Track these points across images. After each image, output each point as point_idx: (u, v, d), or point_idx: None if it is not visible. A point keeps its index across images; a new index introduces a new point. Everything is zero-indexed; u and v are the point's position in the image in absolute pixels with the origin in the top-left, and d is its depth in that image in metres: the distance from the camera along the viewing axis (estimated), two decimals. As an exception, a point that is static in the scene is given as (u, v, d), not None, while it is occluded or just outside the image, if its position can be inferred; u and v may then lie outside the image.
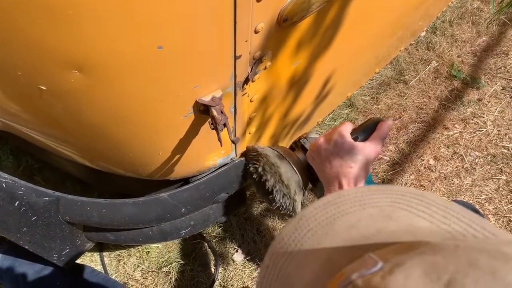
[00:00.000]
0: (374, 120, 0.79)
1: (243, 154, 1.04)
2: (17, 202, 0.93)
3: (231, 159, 1.05)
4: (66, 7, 0.48)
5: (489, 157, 1.77)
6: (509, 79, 2.01)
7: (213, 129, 0.74)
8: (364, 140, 0.76)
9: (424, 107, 1.94)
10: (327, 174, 0.74)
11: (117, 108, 0.68)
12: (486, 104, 1.94)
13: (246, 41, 0.68)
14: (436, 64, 2.09)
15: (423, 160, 1.78)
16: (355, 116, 1.94)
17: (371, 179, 0.92)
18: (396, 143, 1.85)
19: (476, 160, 1.77)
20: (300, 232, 0.36)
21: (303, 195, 0.95)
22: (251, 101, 0.88)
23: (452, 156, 1.78)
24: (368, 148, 0.72)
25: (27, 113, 0.74)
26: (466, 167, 1.75)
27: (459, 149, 1.80)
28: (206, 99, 0.73)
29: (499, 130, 1.84)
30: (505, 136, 1.82)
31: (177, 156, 0.89)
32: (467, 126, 1.87)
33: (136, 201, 1.01)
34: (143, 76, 0.63)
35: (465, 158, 1.77)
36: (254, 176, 0.98)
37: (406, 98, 1.98)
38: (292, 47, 0.80)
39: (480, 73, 2.04)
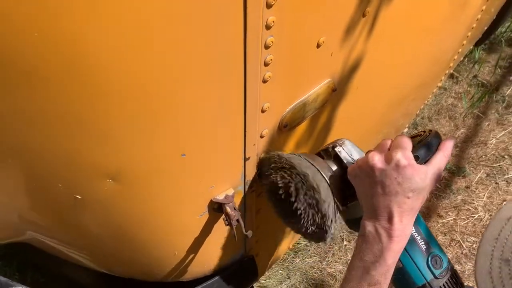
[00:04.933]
0: (433, 134, 0.69)
1: (259, 164, 0.85)
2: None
3: (241, 255, 1.10)
4: (105, 126, 0.58)
5: (486, 241, 1.82)
6: (492, 166, 2.14)
7: (227, 225, 0.81)
8: (425, 159, 0.65)
9: (416, 197, 2.03)
10: (375, 201, 0.63)
11: (141, 213, 0.76)
12: (474, 191, 2.04)
13: (254, 144, 0.79)
14: (421, 157, 2.23)
15: (423, 249, 1.82)
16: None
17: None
18: (394, 234, 1.90)
19: (474, 246, 1.81)
20: None
21: (336, 212, 0.76)
22: (258, 196, 0.96)
23: (450, 243, 1.84)
24: (431, 174, 0.62)
25: (59, 220, 0.80)
26: (465, 253, 1.79)
27: (456, 236, 1.86)
28: (220, 197, 0.81)
29: (490, 215, 1.92)
30: (498, 220, 1.89)
31: (191, 256, 0.94)
32: (460, 213, 1.95)
33: (151, 304, 1.04)
34: (166, 181, 0.72)
35: (463, 244, 1.82)
36: (273, 189, 0.79)
37: (398, 190, 2.07)
38: (292, 146, 0.91)
39: (464, 162, 2.17)
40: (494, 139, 2.28)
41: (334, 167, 0.79)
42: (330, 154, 0.81)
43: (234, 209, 0.81)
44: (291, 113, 0.81)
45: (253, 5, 0.55)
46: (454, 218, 1.93)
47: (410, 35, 1.04)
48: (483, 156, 2.20)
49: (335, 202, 0.74)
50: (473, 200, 2.00)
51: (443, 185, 2.08)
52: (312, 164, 0.75)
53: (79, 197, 0.70)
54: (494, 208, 1.95)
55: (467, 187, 2.06)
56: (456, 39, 1.40)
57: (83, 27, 0.45)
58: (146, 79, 0.54)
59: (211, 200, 0.81)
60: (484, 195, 2.01)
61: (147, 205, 0.75)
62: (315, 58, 0.76)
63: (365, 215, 0.66)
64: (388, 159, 0.62)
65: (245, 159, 0.80)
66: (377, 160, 0.63)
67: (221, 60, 0.59)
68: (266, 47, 0.63)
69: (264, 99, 0.72)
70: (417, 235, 0.72)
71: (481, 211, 1.95)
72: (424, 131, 0.72)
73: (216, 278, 1.05)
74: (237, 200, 0.88)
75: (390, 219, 0.62)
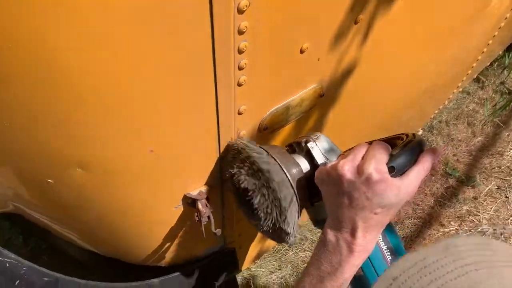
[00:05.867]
0: (415, 142, 0.61)
1: (225, 151, 0.79)
2: (18, 281, 0.99)
3: (221, 247, 1.12)
4: (68, 117, 0.59)
5: (485, 256, 1.78)
6: (504, 179, 2.07)
7: (198, 221, 0.82)
8: (402, 171, 0.58)
9: (420, 203, 2.00)
10: (340, 211, 0.60)
11: (114, 200, 0.77)
12: (482, 203, 1.98)
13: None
14: (432, 162, 2.17)
15: (419, 256, 1.80)
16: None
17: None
18: (392, 237, 1.88)
19: (472, 259, 1.77)
20: (449, 261, 0.32)
21: (299, 214, 0.72)
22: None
23: (448, 253, 1.80)
24: (405, 189, 0.56)
25: (37, 199, 0.83)
26: (462, 265, 1.76)
27: (455, 247, 1.82)
28: (194, 193, 0.82)
29: (494, 229, 1.87)
30: (501, 235, 1.84)
31: (167, 244, 0.96)
32: (463, 223, 1.91)
33: (127, 285, 1.06)
34: (136, 173, 0.72)
35: (460, 256, 1.78)
36: (234, 182, 0.75)
37: (402, 194, 2.04)
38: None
39: (475, 172, 2.11)
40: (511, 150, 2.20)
41: (304, 163, 0.73)
42: (302, 148, 0.75)
43: (206, 205, 0.82)
44: (272, 116, 0.80)
45: (221, 11, 0.54)
46: (456, 228, 1.89)
47: (414, 40, 1.00)
48: (497, 168, 2.13)
49: (297, 201, 0.70)
50: (479, 212, 1.95)
51: (449, 193, 2.03)
52: (275, 159, 0.69)
53: (51, 181, 0.72)
54: (500, 223, 1.90)
55: (475, 198, 2.01)
56: (473, 45, 1.34)
57: (48, 25, 0.46)
58: (111, 77, 0.55)
59: (185, 195, 0.82)
60: (492, 208, 1.96)
61: (118, 193, 0.76)
62: (299, 64, 0.74)
63: (328, 222, 0.63)
64: (359, 171, 0.57)
65: (220, 159, 0.80)
66: (347, 170, 0.58)
67: (189, 61, 0.59)
68: (240, 51, 0.62)
69: (240, 101, 0.71)
70: (383, 244, 0.68)
71: (485, 224, 1.90)
72: (407, 135, 0.64)
73: (192, 267, 1.07)
74: (214, 197, 0.88)
75: (353, 232, 0.59)
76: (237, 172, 0.73)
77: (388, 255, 0.68)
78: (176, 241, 0.96)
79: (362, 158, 0.60)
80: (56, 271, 1.09)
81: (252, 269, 1.74)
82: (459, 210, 1.96)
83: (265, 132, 0.82)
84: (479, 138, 2.30)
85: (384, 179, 0.56)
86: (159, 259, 1.02)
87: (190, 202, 0.84)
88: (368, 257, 0.63)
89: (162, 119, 0.64)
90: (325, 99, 0.88)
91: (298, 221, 0.72)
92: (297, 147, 0.77)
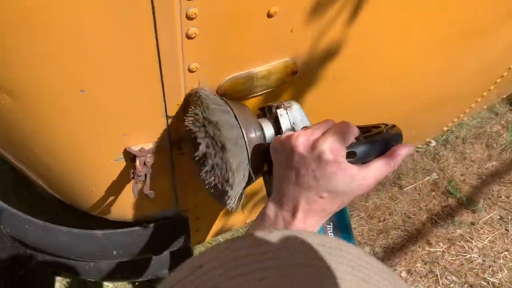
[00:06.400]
0: (389, 133, 0.54)
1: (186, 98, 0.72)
2: (-42, 204, 0.97)
3: (173, 214, 1.06)
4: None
5: (465, 285, 1.68)
6: (509, 211, 1.94)
7: (132, 178, 0.76)
8: (364, 159, 0.52)
9: (412, 216, 1.90)
10: (285, 186, 0.54)
11: (43, 136, 0.72)
12: (478, 230, 1.87)
13: (178, 104, 0.72)
14: (436, 177, 2.06)
15: (395, 271, 1.71)
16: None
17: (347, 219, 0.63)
18: (373, 245, 1.79)
19: (451, 285, 1.68)
20: (256, 258, 0.26)
21: (248, 180, 0.66)
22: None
23: (427, 274, 1.70)
24: (360, 180, 0.50)
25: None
26: (439, 289, 1.67)
27: (436, 269, 1.72)
28: (135, 149, 0.76)
29: (484, 260, 1.76)
30: (489, 268, 1.73)
31: (111, 198, 0.91)
32: (452, 247, 1.80)
33: (70, 230, 1.03)
34: (67, 113, 0.67)
35: (439, 280, 1.69)
36: (187, 128, 0.68)
37: (396, 203, 1.94)
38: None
39: (479, 197, 1.99)
40: (525, 183, 2.06)
41: (269, 130, 0.68)
42: (271, 114, 0.69)
43: (145, 164, 0.76)
44: (232, 83, 0.73)
45: None
46: (443, 251, 1.79)
47: (416, 36, 0.90)
48: (504, 197, 1.99)
49: (249, 167, 0.64)
50: (473, 238, 1.83)
51: (446, 212, 1.92)
52: (236, 118, 0.63)
53: (-20, 101, 0.67)
54: (491, 254, 1.78)
55: (472, 223, 1.89)
56: (494, 58, 1.22)
57: None
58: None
59: (125, 149, 0.77)
60: (487, 237, 1.84)
61: (47, 131, 0.71)
62: (265, 29, 0.67)
63: (272, 196, 0.58)
64: (313, 147, 0.51)
65: (167, 117, 0.73)
66: (301, 142, 0.52)
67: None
68: (187, -4, 0.55)
69: (190, 57, 0.64)
70: (331, 231, 0.60)
71: (476, 253, 1.79)
72: (386, 125, 0.58)
73: (140, 227, 1.02)
74: (162, 158, 0.83)
75: (294, 213, 0.52)
76: (190, 120, 0.66)
77: None
78: (120, 196, 0.91)
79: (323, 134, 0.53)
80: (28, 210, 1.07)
81: (222, 245, 1.70)
82: (452, 233, 1.84)
83: (225, 98, 0.75)
84: (494, 163, 2.16)
85: (337, 161, 0.50)
86: (104, 212, 0.98)
87: (132, 158, 0.78)
88: None
89: (92, 56, 0.58)
90: (299, 78, 0.80)
91: (240, 186, 0.65)
92: (268, 112, 0.71)
